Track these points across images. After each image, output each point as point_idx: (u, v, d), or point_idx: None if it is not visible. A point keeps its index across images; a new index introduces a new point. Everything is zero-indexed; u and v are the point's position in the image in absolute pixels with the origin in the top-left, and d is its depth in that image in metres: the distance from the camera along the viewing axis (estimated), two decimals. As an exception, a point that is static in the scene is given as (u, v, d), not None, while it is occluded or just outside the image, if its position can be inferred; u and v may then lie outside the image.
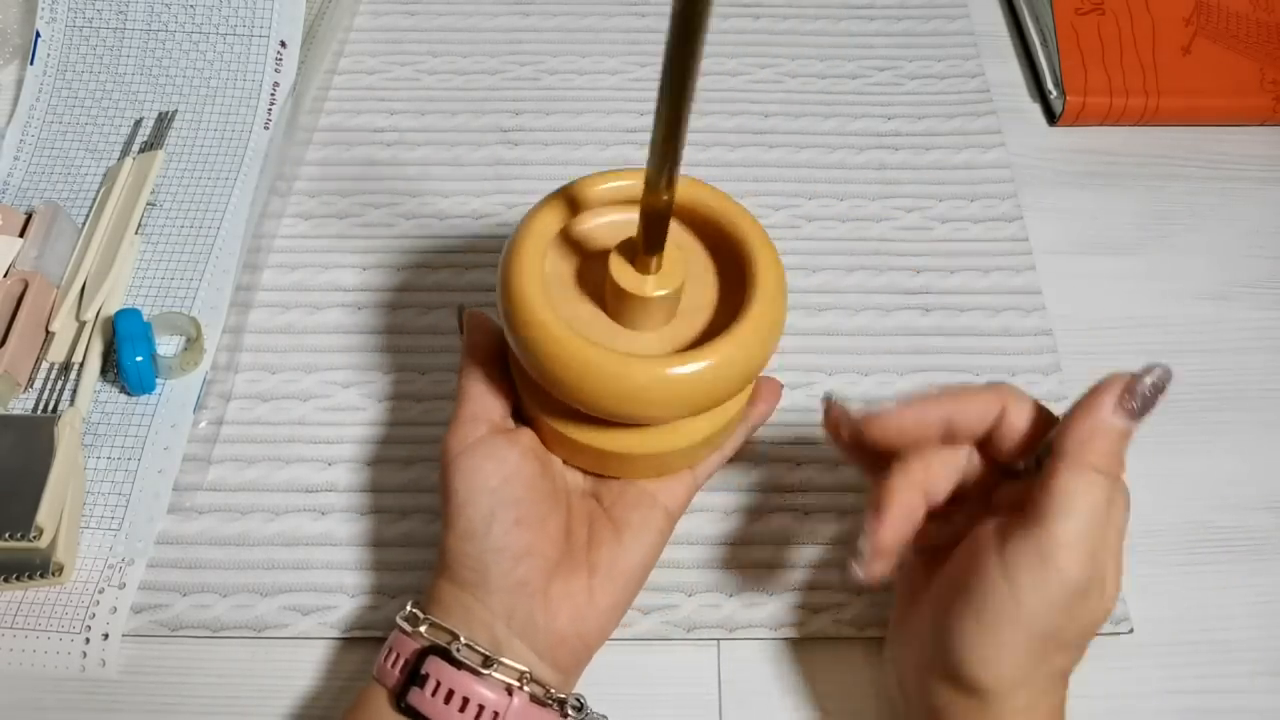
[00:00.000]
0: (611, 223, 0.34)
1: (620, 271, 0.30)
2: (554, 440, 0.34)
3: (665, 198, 0.28)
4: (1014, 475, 0.31)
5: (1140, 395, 0.27)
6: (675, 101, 0.25)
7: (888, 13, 0.56)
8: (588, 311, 0.32)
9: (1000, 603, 0.27)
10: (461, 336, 0.35)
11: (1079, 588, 0.27)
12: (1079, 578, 0.27)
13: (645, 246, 0.29)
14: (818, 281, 0.46)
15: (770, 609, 0.38)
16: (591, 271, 0.33)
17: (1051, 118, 0.52)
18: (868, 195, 0.49)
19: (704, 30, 0.23)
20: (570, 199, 0.32)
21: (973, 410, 0.30)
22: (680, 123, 0.25)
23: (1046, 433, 0.29)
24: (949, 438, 0.30)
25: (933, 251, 0.47)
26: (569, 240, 0.33)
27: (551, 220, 0.32)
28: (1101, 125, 0.52)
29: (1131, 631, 0.38)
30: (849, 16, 0.56)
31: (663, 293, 0.30)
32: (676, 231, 0.31)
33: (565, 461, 0.35)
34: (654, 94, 0.55)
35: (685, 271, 0.31)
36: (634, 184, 0.32)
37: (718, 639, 0.38)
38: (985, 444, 0.31)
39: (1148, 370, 0.28)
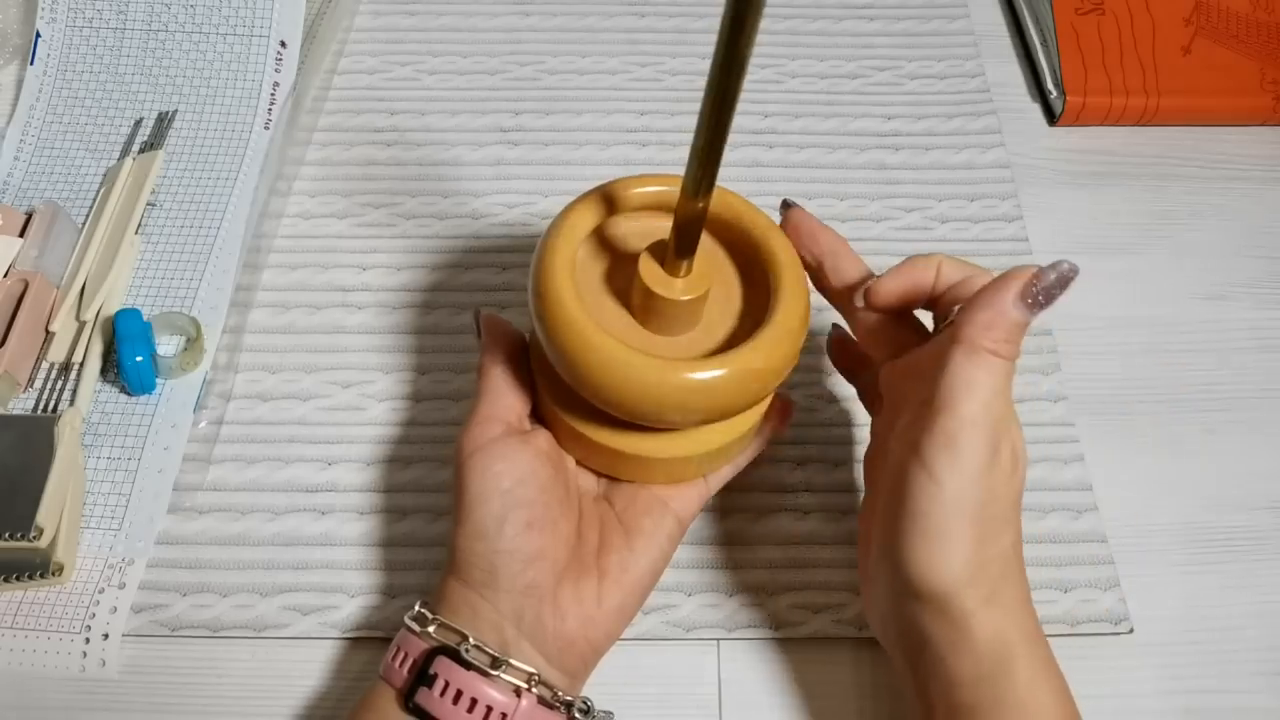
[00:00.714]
0: (642, 227, 0.34)
1: (649, 272, 0.30)
2: (570, 439, 0.34)
3: (700, 205, 0.28)
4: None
5: (1042, 290, 0.28)
6: (720, 111, 0.25)
7: (888, 13, 0.56)
8: (614, 312, 0.32)
9: (926, 494, 0.28)
10: (479, 339, 0.35)
11: (987, 458, 0.28)
12: (986, 449, 0.28)
13: (677, 251, 0.30)
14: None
15: (770, 609, 0.38)
16: (619, 273, 0.33)
17: (1051, 118, 0.52)
18: (868, 195, 0.49)
19: (754, 34, 0.23)
20: (604, 200, 0.33)
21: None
22: (723, 132, 0.25)
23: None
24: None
25: (933, 251, 0.47)
26: (599, 241, 0.33)
27: (584, 220, 0.32)
28: (1101, 125, 0.52)
29: (1131, 631, 0.38)
30: (849, 16, 0.56)
31: (689, 297, 0.30)
32: (704, 239, 0.32)
33: (580, 462, 0.35)
34: (653, 94, 0.55)
35: (712, 278, 0.31)
36: (667, 190, 0.33)
37: (718, 639, 0.38)
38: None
39: (1052, 267, 0.28)
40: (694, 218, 0.28)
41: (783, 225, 0.34)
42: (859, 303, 0.32)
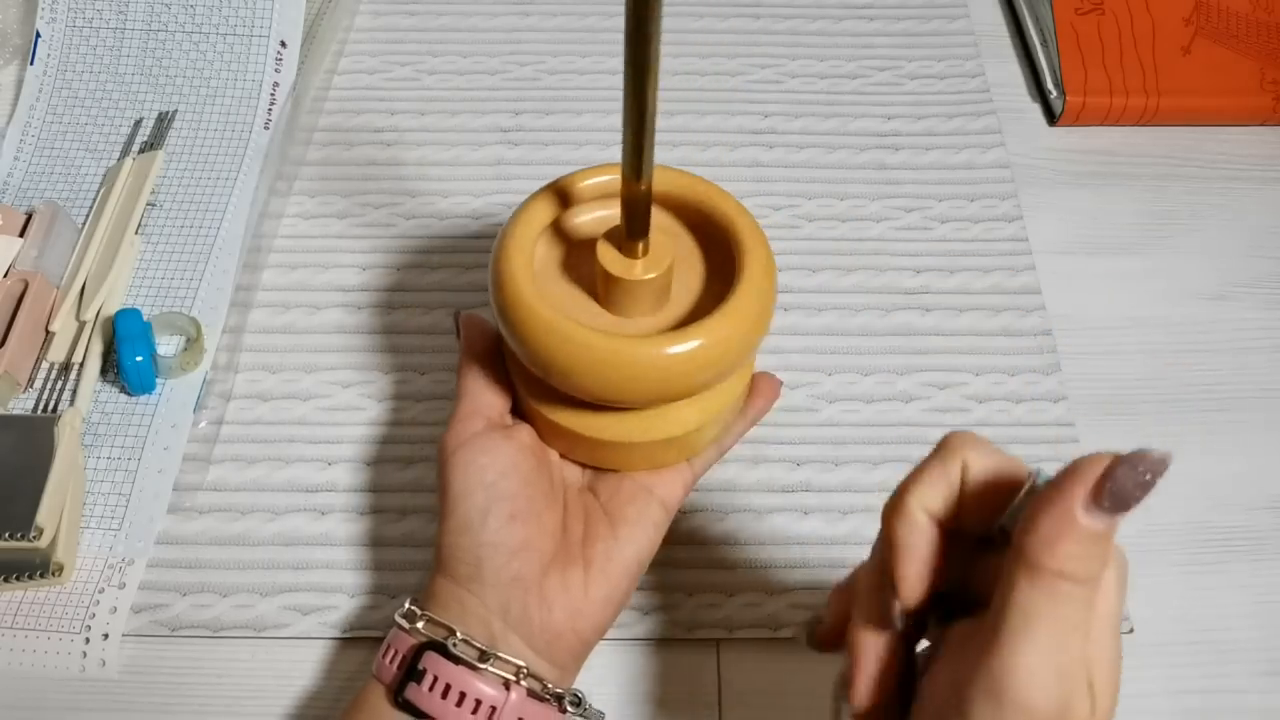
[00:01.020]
0: (601, 216, 0.34)
1: (608, 256, 0.31)
2: (550, 432, 0.34)
3: (643, 187, 0.28)
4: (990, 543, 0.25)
5: (1121, 491, 0.21)
6: (638, 91, 0.25)
7: (888, 13, 0.56)
8: (580, 300, 0.33)
9: None
10: (459, 339, 0.35)
11: (1046, 715, 0.22)
12: (1046, 706, 0.21)
13: (629, 233, 0.30)
14: (818, 282, 0.46)
15: (770, 609, 0.38)
16: (582, 262, 0.33)
17: (1051, 118, 0.52)
18: (868, 195, 0.49)
19: (657, 22, 0.23)
20: (558, 193, 0.33)
21: (930, 488, 0.24)
22: (648, 115, 0.26)
23: (1016, 487, 0.24)
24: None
25: (932, 251, 0.47)
26: (560, 233, 0.34)
27: (541, 213, 0.33)
28: (1101, 125, 0.52)
29: (1131, 631, 0.38)
30: (849, 16, 0.56)
31: (650, 276, 0.31)
32: (663, 219, 0.32)
33: (562, 455, 0.35)
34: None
35: (672, 256, 0.31)
36: (615, 178, 0.33)
37: (718, 639, 0.38)
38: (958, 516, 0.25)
39: (1136, 457, 0.21)
40: (639, 199, 0.29)
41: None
42: (900, 624, 0.25)
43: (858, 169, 0.50)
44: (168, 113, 0.49)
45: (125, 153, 0.48)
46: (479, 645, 0.30)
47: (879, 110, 0.52)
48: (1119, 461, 0.21)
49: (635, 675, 0.37)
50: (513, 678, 0.30)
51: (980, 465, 0.24)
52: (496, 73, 0.53)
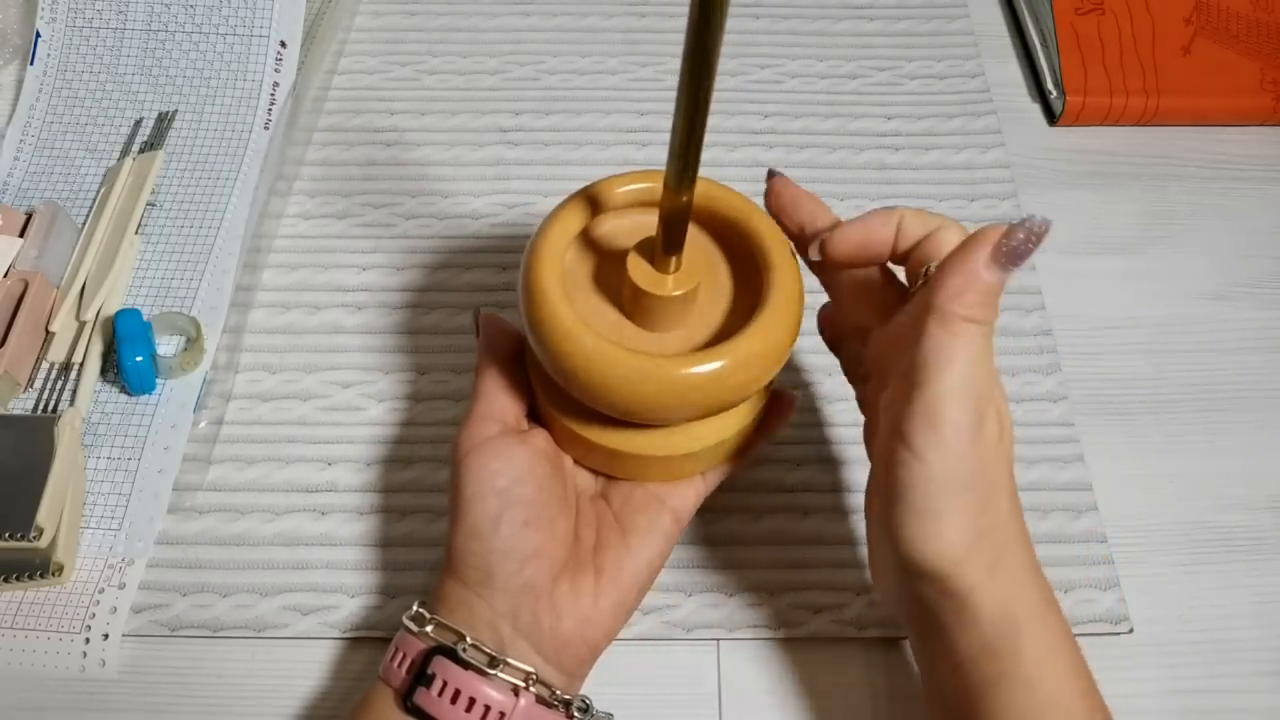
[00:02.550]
0: (631, 224, 0.34)
1: (638, 270, 0.30)
2: (567, 439, 0.34)
3: (684, 199, 0.28)
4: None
5: (1013, 248, 0.27)
6: (694, 102, 0.25)
7: (888, 13, 0.56)
8: (605, 311, 0.32)
9: (911, 472, 0.27)
10: (478, 338, 0.35)
11: (972, 430, 0.27)
12: (969, 420, 0.27)
13: (664, 247, 0.30)
14: (818, 281, 0.46)
15: (770, 609, 0.38)
16: (610, 272, 0.33)
17: (1051, 118, 0.52)
18: (868, 195, 0.49)
19: (722, 30, 0.23)
20: (590, 200, 0.33)
21: (914, 228, 0.30)
22: (699, 124, 0.26)
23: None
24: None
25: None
26: (588, 241, 0.33)
27: (572, 221, 0.32)
28: (1101, 125, 0.52)
29: (1131, 631, 0.38)
30: (849, 16, 0.56)
31: (680, 292, 0.30)
32: (693, 232, 0.31)
33: (577, 461, 0.35)
34: (653, 94, 0.55)
35: (702, 272, 0.31)
36: (653, 186, 0.33)
37: (718, 639, 0.38)
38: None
39: (1023, 223, 0.27)
40: (679, 211, 0.28)
41: (766, 194, 0.33)
42: (814, 255, 0.31)
43: (858, 169, 0.50)
44: (168, 113, 0.49)
45: (125, 153, 0.48)
46: (488, 651, 0.30)
47: (879, 110, 0.52)
48: (1013, 225, 0.27)
49: (635, 675, 0.37)
50: (522, 684, 0.30)
51: (913, 222, 0.30)
52: (496, 73, 0.53)
